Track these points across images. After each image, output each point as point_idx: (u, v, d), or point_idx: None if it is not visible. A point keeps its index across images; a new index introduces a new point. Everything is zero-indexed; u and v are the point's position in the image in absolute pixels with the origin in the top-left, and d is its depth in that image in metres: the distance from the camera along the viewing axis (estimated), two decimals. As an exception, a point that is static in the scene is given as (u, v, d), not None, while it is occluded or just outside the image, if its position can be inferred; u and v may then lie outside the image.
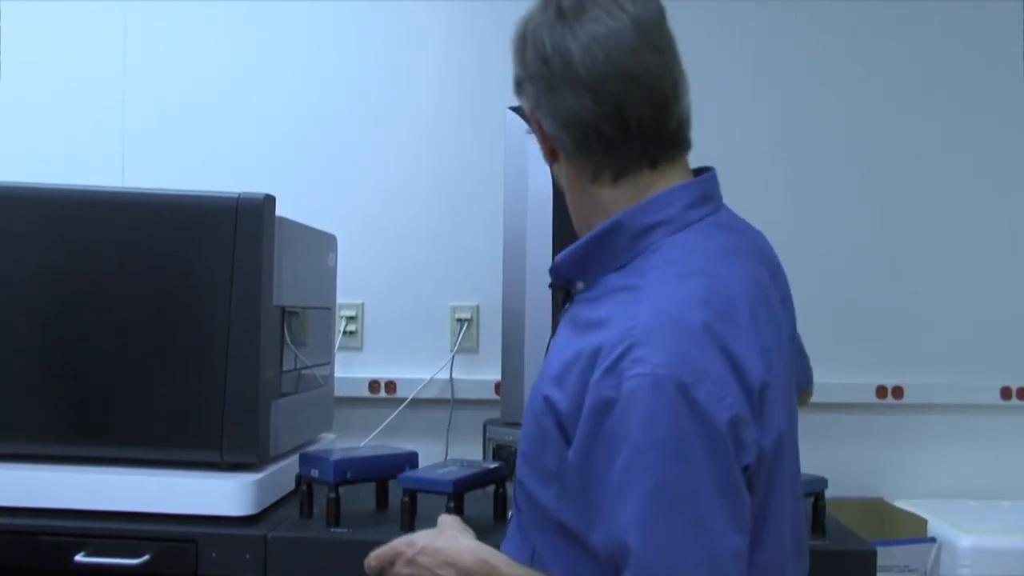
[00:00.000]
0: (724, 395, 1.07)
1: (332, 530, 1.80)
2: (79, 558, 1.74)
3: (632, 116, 1.19)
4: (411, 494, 1.81)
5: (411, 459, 1.94)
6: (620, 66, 1.18)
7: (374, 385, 2.60)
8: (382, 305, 2.63)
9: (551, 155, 1.28)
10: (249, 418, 1.85)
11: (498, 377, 2.54)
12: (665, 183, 1.23)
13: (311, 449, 1.93)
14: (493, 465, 1.89)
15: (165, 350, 1.85)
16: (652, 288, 1.15)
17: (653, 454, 1.06)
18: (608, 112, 1.19)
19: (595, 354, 1.12)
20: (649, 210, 1.21)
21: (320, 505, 1.88)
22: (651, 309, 1.12)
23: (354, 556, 1.68)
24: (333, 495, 1.83)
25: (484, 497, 1.90)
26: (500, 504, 1.90)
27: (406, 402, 2.59)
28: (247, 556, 1.75)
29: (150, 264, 1.86)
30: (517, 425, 2.10)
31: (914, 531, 2.32)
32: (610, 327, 1.13)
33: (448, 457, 2.59)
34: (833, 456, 2.28)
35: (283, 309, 1.95)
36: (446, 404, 2.61)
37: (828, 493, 1.92)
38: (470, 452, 2.56)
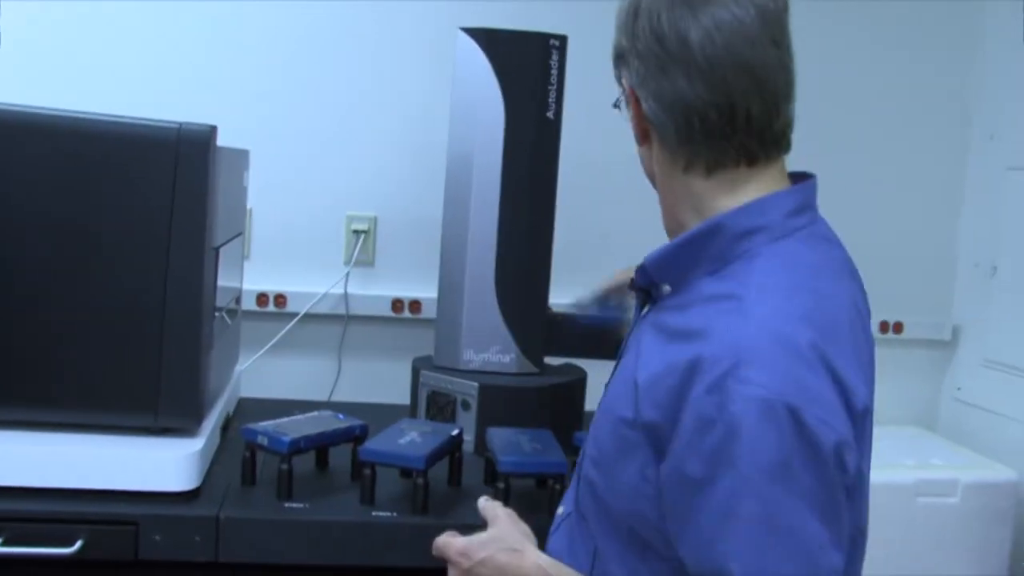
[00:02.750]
0: (832, 418, 1.03)
1: (286, 504, 1.64)
2: (-3, 547, 1.51)
3: (741, 109, 1.12)
4: (372, 466, 1.67)
5: (363, 427, 1.81)
6: (739, 56, 1.10)
7: (262, 298, 2.39)
8: (271, 213, 2.39)
9: (643, 137, 1.21)
10: (188, 379, 1.65)
11: (396, 293, 2.43)
12: (761, 183, 1.16)
13: (260, 425, 1.73)
14: (454, 432, 1.77)
15: (92, 300, 1.61)
16: (754, 300, 1.08)
17: (760, 480, 1.01)
18: (718, 102, 1.11)
19: (692, 367, 1.06)
20: (750, 214, 1.14)
21: (262, 471, 1.72)
22: (756, 325, 1.05)
23: (313, 536, 1.59)
24: (286, 466, 1.67)
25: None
26: (456, 469, 1.79)
27: (298, 317, 2.40)
28: (196, 539, 1.58)
29: (73, 201, 1.59)
30: (451, 370, 1.99)
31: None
32: (709, 339, 1.06)
33: (339, 374, 2.45)
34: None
35: (217, 250, 1.72)
36: (339, 320, 2.44)
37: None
38: (364, 369, 2.44)
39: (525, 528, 1.31)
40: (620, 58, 1.20)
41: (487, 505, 1.36)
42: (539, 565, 1.21)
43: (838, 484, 1.04)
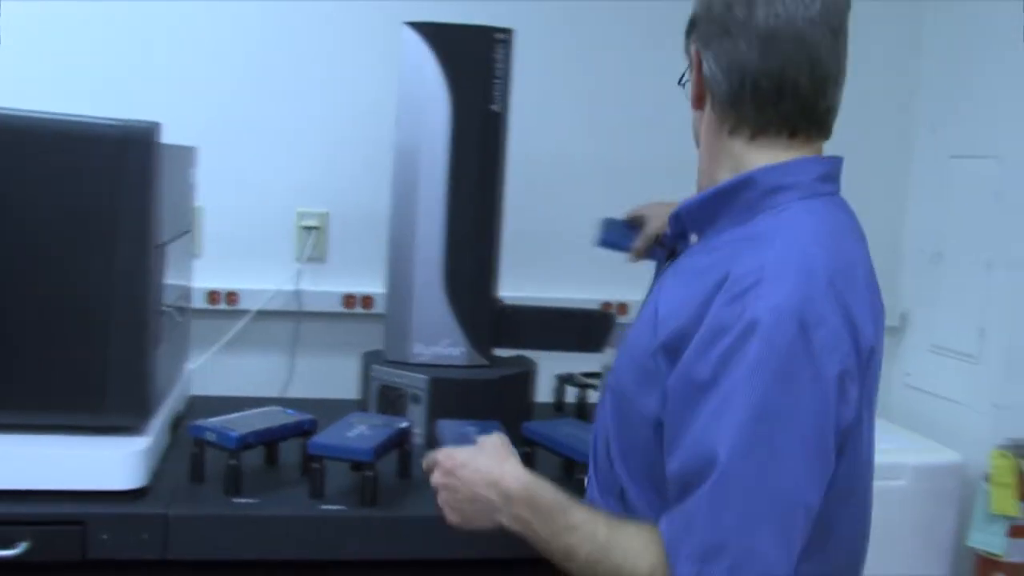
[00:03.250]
0: (838, 345, 1.11)
1: (235, 500, 1.64)
2: (-62, 551, 1.50)
3: (790, 80, 1.21)
4: (320, 460, 1.68)
5: (311, 422, 1.82)
6: (796, 32, 1.20)
7: (213, 296, 2.39)
8: (222, 210, 2.38)
9: (699, 100, 1.30)
10: (134, 376, 1.64)
11: (348, 289, 2.43)
12: (798, 155, 1.25)
13: (208, 421, 1.73)
14: (402, 425, 1.78)
15: (36, 298, 1.60)
16: (781, 240, 1.17)
17: (765, 375, 1.09)
18: (771, 69, 1.21)
19: (720, 283, 1.15)
20: (783, 172, 1.23)
21: (211, 468, 1.71)
22: (782, 252, 1.15)
23: (261, 530, 1.59)
24: (234, 462, 1.67)
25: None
26: (405, 462, 1.80)
27: (250, 315, 2.39)
28: (144, 537, 1.57)
29: (16, 199, 1.58)
30: (401, 364, 2.00)
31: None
32: (738, 263, 1.16)
33: (293, 369, 2.45)
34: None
35: (163, 247, 1.72)
36: (292, 316, 2.44)
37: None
38: (317, 366, 2.44)
39: (516, 455, 1.38)
40: (693, 25, 1.29)
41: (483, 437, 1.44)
42: (518, 475, 1.31)
43: (833, 416, 1.12)
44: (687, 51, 1.32)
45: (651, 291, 1.37)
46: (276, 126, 2.40)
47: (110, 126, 1.59)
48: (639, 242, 1.92)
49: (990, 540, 2.32)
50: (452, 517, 1.38)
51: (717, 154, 1.29)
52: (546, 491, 1.29)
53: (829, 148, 1.31)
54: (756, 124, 1.24)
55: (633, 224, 1.96)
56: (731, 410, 1.10)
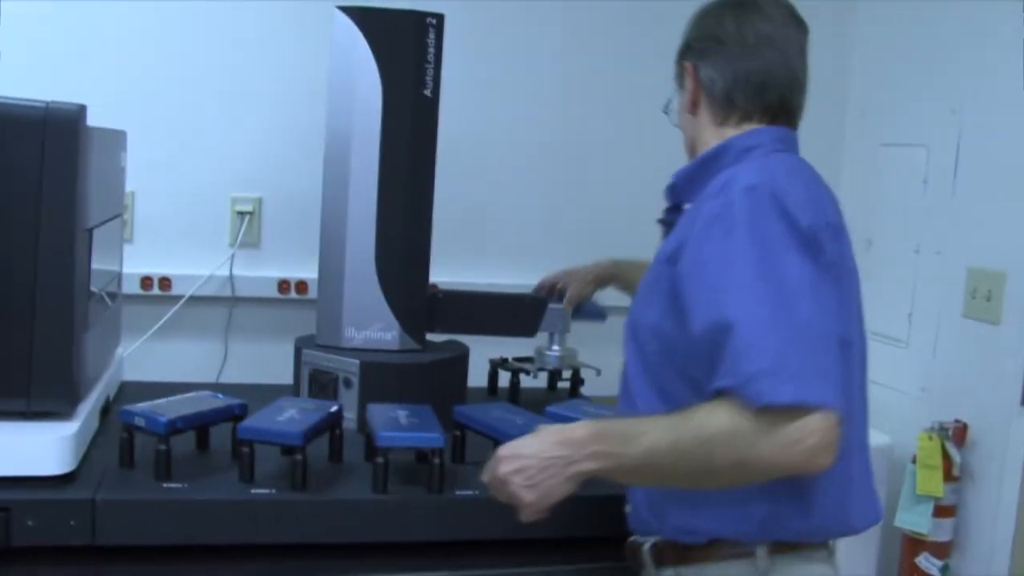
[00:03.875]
0: (805, 208, 1.35)
1: (164, 485, 1.63)
2: None
3: (771, 76, 1.52)
4: (250, 444, 1.67)
5: (242, 406, 1.82)
6: (774, 41, 1.52)
7: (146, 282, 2.37)
8: (154, 196, 2.36)
9: (693, 106, 1.57)
10: (61, 361, 1.63)
11: (283, 274, 2.43)
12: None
13: (137, 406, 1.72)
14: (333, 408, 1.78)
15: (-43, 285, 1.57)
16: (752, 162, 1.46)
17: (753, 235, 1.31)
18: (757, 67, 1.52)
19: (707, 196, 1.42)
20: (749, 137, 1.52)
21: (141, 453, 1.70)
22: (754, 163, 1.45)
23: (191, 515, 1.59)
24: (164, 447, 1.66)
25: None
26: (337, 446, 1.80)
27: (183, 300, 2.38)
28: (71, 523, 1.56)
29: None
30: (333, 349, 2.00)
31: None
32: (718, 182, 1.42)
33: (226, 357, 2.44)
34: (608, 357, 2.29)
35: (90, 231, 1.70)
36: (226, 302, 2.43)
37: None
38: (251, 351, 2.43)
39: None
40: (686, 48, 1.59)
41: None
42: (578, 424, 1.39)
43: (815, 261, 1.32)
44: (677, 77, 1.61)
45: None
46: (209, 111, 2.39)
47: (33, 108, 1.57)
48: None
49: (917, 520, 2.37)
50: (528, 496, 1.37)
51: (708, 142, 1.55)
52: (608, 421, 1.43)
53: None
54: (744, 113, 1.52)
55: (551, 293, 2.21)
56: (735, 270, 1.30)
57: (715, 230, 1.35)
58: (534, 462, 1.36)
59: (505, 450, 1.40)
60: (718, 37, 1.53)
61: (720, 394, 1.27)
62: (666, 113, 1.67)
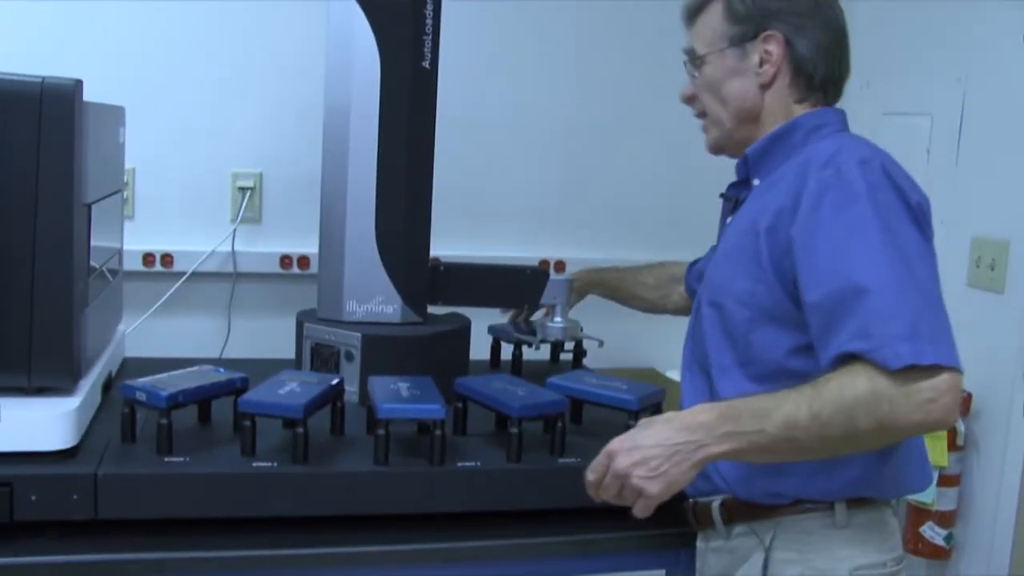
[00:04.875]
0: (912, 185, 1.43)
1: (166, 459, 1.64)
2: None
3: (846, 65, 1.61)
4: (251, 418, 1.68)
5: (243, 380, 1.82)
6: (840, 24, 1.61)
7: (148, 258, 2.37)
8: (155, 173, 2.36)
9: (771, 79, 1.57)
10: (61, 336, 1.63)
11: (284, 250, 2.43)
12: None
13: (138, 381, 1.72)
14: (334, 381, 1.78)
15: (-44, 261, 1.57)
16: (838, 140, 1.51)
17: (873, 206, 1.36)
18: (840, 50, 1.60)
19: (803, 166, 1.46)
20: (818, 116, 1.57)
21: (143, 428, 1.71)
22: (851, 140, 1.50)
23: (192, 488, 1.59)
24: (165, 421, 1.66)
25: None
26: (338, 419, 1.80)
27: (185, 276, 2.38)
28: (74, 497, 1.56)
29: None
30: (335, 322, 2.00)
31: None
32: (813, 152, 1.48)
33: (229, 333, 2.44)
34: (611, 329, 2.31)
35: (89, 207, 1.70)
36: (228, 278, 2.43)
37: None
38: (254, 326, 2.44)
39: None
40: (770, 15, 1.55)
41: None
42: (699, 408, 1.39)
43: (924, 236, 1.39)
44: (736, 40, 1.57)
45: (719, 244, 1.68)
46: (209, 87, 2.38)
47: (29, 83, 1.57)
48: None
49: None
50: (654, 487, 1.33)
51: (777, 120, 1.58)
52: (731, 401, 1.39)
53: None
54: (821, 92, 1.58)
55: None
56: (861, 238, 1.34)
57: (831, 200, 1.38)
58: (659, 451, 1.33)
59: (620, 443, 1.36)
60: (812, 11, 1.55)
61: (848, 358, 1.31)
62: (691, 64, 1.66)
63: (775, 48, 1.55)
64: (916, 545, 2.37)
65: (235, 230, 2.41)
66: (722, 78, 1.60)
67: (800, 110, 1.58)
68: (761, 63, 1.57)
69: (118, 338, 2.09)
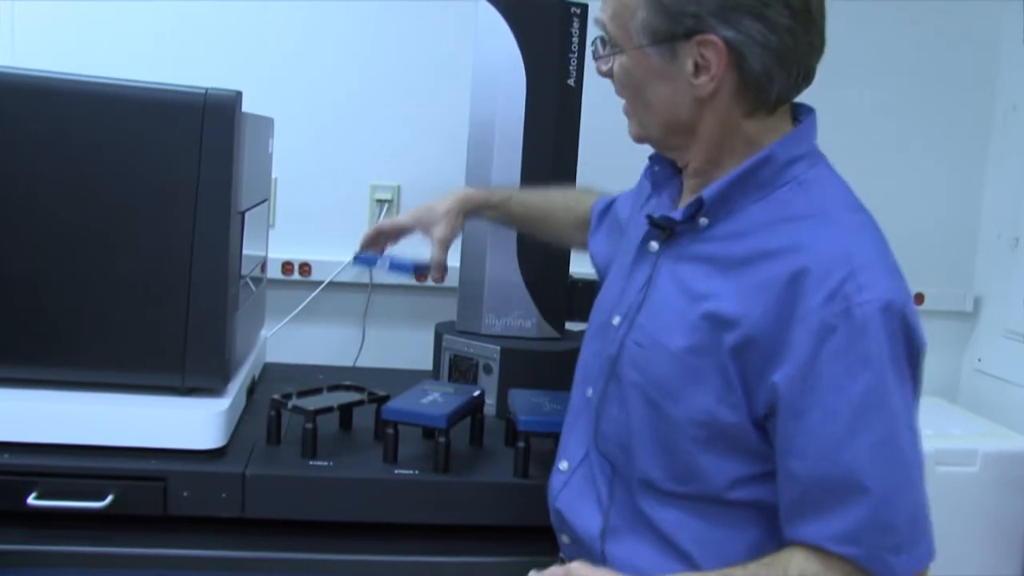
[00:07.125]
0: (919, 319, 1.18)
1: (311, 463, 1.67)
2: (31, 500, 1.55)
3: (815, 63, 1.25)
4: (394, 426, 1.70)
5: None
6: (817, 22, 1.22)
7: (287, 267, 2.43)
8: (296, 183, 2.42)
9: (712, 95, 1.22)
10: (215, 339, 1.68)
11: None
12: (786, 118, 1.29)
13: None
14: (475, 392, 1.80)
15: (121, 262, 1.64)
16: (839, 215, 1.22)
17: (891, 376, 1.14)
18: (807, 45, 1.22)
19: (797, 279, 1.16)
20: (793, 143, 1.26)
21: (287, 433, 1.75)
22: (856, 236, 1.19)
23: (336, 492, 1.62)
24: (310, 425, 1.70)
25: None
26: (477, 430, 1.82)
27: (323, 285, 2.43)
28: (223, 495, 1.61)
29: (102, 167, 1.62)
30: (473, 335, 2.01)
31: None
32: (811, 252, 1.17)
33: (365, 339, 2.48)
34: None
35: (243, 215, 1.75)
36: (363, 288, 2.47)
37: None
38: (388, 337, 2.47)
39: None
40: (705, 14, 1.18)
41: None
42: None
43: (917, 388, 1.20)
44: (663, 43, 1.22)
45: (643, 275, 1.34)
46: (351, 100, 2.43)
47: (194, 94, 1.62)
48: (437, 254, 1.81)
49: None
50: None
51: (727, 140, 1.26)
52: None
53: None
54: (776, 99, 1.24)
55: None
56: (870, 418, 1.14)
57: (835, 355, 1.13)
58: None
59: (582, 565, 1.26)
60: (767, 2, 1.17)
61: (832, 556, 1.17)
62: (599, 44, 1.33)
63: (713, 56, 1.19)
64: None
65: (372, 241, 2.44)
66: (643, 78, 1.27)
67: (752, 126, 1.25)
68: (697, 70, 1.21)
69: (261, 343, 2.15)
